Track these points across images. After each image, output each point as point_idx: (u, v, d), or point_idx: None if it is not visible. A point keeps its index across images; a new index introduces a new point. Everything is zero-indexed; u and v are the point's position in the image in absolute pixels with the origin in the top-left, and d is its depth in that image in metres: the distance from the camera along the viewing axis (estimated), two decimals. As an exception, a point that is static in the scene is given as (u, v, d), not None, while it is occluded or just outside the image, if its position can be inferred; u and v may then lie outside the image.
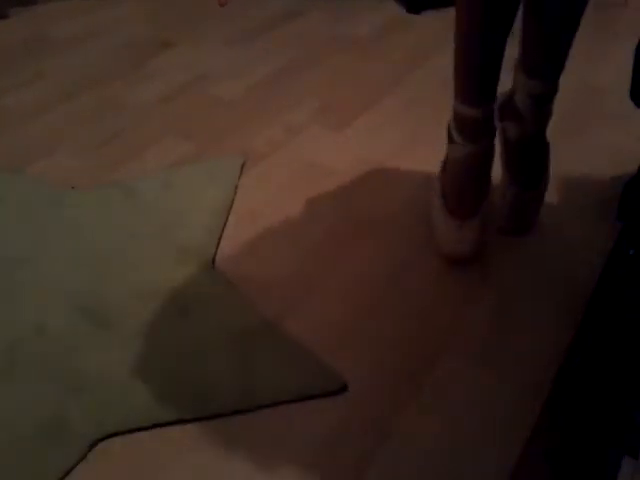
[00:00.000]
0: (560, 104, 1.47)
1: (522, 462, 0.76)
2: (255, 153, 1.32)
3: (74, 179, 1.25)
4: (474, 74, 1.00)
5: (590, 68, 1.67)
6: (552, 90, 1.03)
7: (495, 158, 1.08)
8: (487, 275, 1.05)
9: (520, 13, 0.97)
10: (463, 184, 1.06)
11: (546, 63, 1.02)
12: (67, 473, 0.77)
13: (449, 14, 1.94)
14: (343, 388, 0.87)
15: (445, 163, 1.12)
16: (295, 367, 0.89)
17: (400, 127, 1.42)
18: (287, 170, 1.28)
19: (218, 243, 1.10)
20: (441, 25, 1.89)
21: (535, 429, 0.77)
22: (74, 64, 1.66)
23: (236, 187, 1.23)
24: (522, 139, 1.07)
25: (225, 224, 1.14)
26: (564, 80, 1.61)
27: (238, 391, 0.86)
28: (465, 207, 1.05)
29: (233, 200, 1.20)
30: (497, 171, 1.13)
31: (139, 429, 0.82)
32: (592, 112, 1.48)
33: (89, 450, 0.79)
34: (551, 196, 1.18)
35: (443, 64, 1.67)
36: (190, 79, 1.59)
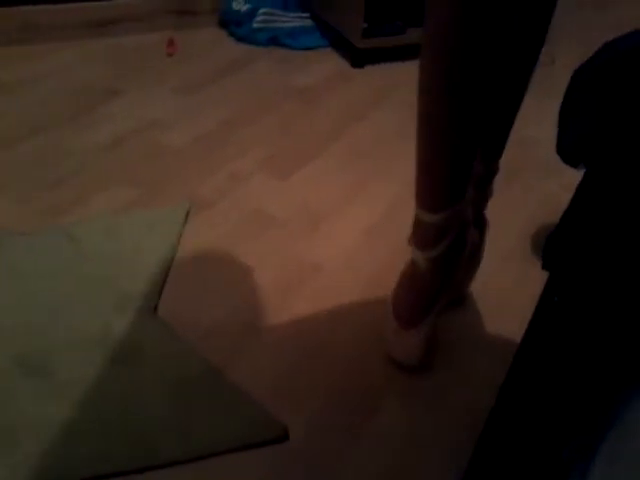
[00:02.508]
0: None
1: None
2: (200, 201, 1.33)
3: (15, 224, 1.23)
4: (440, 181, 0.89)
5: (522, 122, 1.76)
6: (493, 173, 1.03)
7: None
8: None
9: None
10: (407, 294, 0.97)
11: (488, 147, 1.00)
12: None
13: (390, 69, 2.03)
14: (284, 436, 0.87)
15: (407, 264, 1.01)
16: (235, 415, 0.89)
17: (342, 178, 1.45)
18: (232, 218, 1.30)
19: (161, 291, 1.10)
20: (383, 80, 1.97)
21: (466, 473, 0.79)
22: (19, 108, 1.65)
23: (180, 234, 1.23)
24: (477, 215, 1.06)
25: (168, 271, 1.14)
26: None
27: (177, 441, 0.85)
28: (405, 316, 0.97)
29: (177, 247, 1.20)
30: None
31: (73, 483, 0.80)
32: (524, 163, 1.56)
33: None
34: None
35: (385, 116, 1.74)
36: (138, 126, 1.60)
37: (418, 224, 0.92)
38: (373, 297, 1.12)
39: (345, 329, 1.06)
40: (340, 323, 1.07)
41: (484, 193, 1.06)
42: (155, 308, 1.06)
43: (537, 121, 1.77)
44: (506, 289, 1.16)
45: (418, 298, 0.95)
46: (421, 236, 0.92)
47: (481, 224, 1.11)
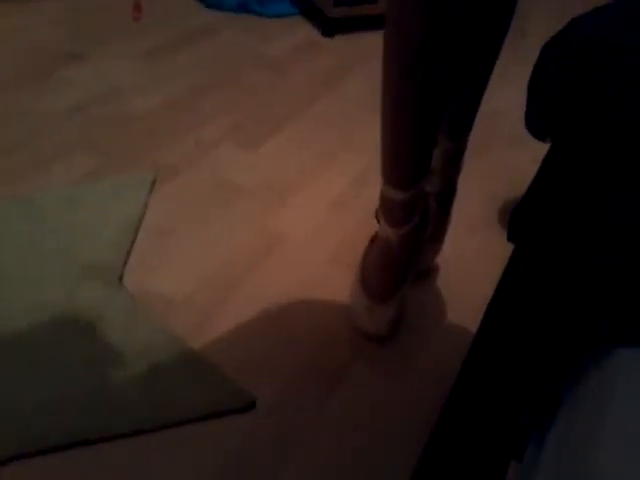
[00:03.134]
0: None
1: (419, 473, 0.79)
2: (166, 170, 1.31)
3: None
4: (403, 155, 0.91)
5: (493, 95, 1.77)
6: (462, 148, 1.04)
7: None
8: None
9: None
10: (378, 269, 0.98)
11: (457, 124, 1.01)
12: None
13: (361, 38, 2.01)
14: (251, 405, 0.87)
15: (372, 238, 1.04)
16: (203, 384, 0.89)
17: (311, 148, 1.44)
18: (198, 187, 1.28)
19: (126, 260, 1.08)
20: (353, 49, 1.95)
21: (429, 441, 0.81)
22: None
23: (146, 203, 1.21)
24: (432, 191, 1.07)
25: (134, 241, 1.12)
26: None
27: (144, 409, 0.85)
28: (377, 292, 0.98)
29: (142, 217, 1.18)
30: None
31: (38, 452, 0.79)
32: (492, 134, 1.57)
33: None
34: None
35: (355, 87, 1.72)
36: (101, 92, 1.55)
37: (386, 201, 0.92)
38: (339, 268, 1.12)
39: (312, 299, 1.06)
40: (307, 293, 1.07)
41: (456, 168, 1.07)
42: (120, 278, 1.05)
43: (507, 94, 1.78)
44: (471, 258, 1.17)
45: (390, 274, 0.96)
46: (390, 213, 0.92)
47: (451, 198, 1.12)
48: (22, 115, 1.43)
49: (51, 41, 1.76)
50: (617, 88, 0.55)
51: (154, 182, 1.27)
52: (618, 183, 0.51)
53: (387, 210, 0.93)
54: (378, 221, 0.97)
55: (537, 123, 1.18)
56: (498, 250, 1.17)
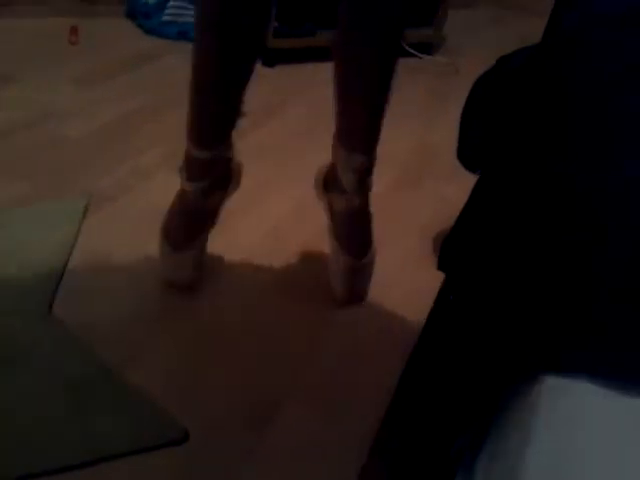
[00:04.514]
0: (396, 160, 1.60)
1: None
2: (100, 195, 1.28)
3: None
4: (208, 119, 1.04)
5: (425, 128, 1.83)
6: (372, 162, 1.07)
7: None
8: (330, 323, 1.09)
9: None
10: (177, 218, 1.09)
11: (365, 137, 1.05)
12: None
13: (301, 69, 2.04)
14: (184, 437, 0.85)
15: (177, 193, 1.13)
16: (135, 417, 0.86)
17: (249, 176, 1.44)
18: (133, 214, 1.26)
19: (56, 288, 1.05)
20: (293, 79, 1.98)
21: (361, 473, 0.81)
22: None
23: (78, 230, 1.18)
24: (349, 211, 1.09)
25: (65, 269, 1.09)
26: (401, 137, 1.75)
27: (70, 444, 0.81)
28: (175, 239, 1.08)
29: (74, 244, 1.15)
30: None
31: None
32: (425, 168, 1.61)
33: None
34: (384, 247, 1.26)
35: (296, 114, 1.75)
36: (32, 116, 1.51)
37: (188, 159, 1.04)
38: (273, 296, 1.12)
39: (245, 328, 1.05)
40: (241, 322, 1.06)
41: (367, 182, 1.09)
42: (50, 307, 1.01)
43: (441, 128, 1.84)
44: (405, 289, 1.19)
45: (187, 223, 1.08)
46: (191, 169, 1.05)
47: (368, 213, 1.13)
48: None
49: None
50: (541, 121, 0.57)
51: (87, 208, 1.24)
52: (541, 212, 0.54)
53: (187, 165, 1.05)
54: (180, 176, 1.07)
55: (468, 155, 1.22)
56: (431, 279, 1.20)
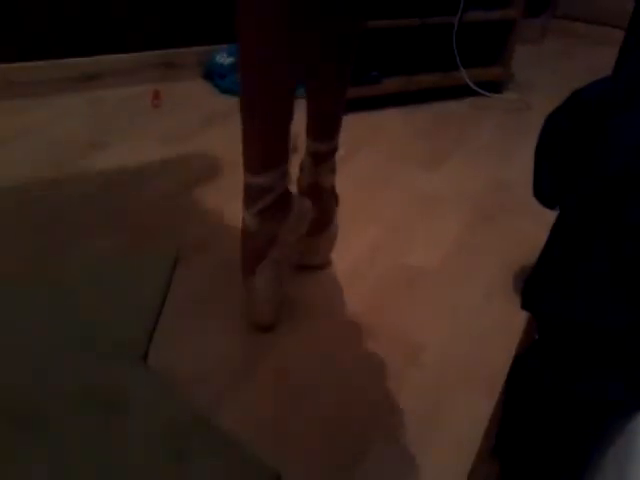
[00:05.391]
0: (471, 196, 1.60)
1: None
2: (189, 248, 1.35)
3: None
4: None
5: (498, 165, 1.83)
6: (329, 150, 1.24)
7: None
8: (410, 352, 1.10)
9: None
10: (241, 247, 1.14)
11: (322, 129, 1.23)
12: None
13: (367, 117, 2.09)
14: (277, 481, 0.87)
15: None
16: (228, 463, 0.89)
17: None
18: (221, 265, 1.31)
19: (151, 336, 1.11)
20: (360, 127, 2.03)
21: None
22: (8, 161, 1.67)
23: (170, 279, 1.24)
24: (308, 188, 1.26)
25: (158, 317, 1.15)
26: (475, 174, 1.75)
27: (170, 490, 0.85)
28: (242, 267, 1.13)
29: (166, 294, 1.21)
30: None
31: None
32: (500, 204, 1.61)
33: None
34: (464, 282, 1.26)
35: (365, 161, 1.78)
36: (124, 176, 1.62)
37: (245, 186, 1.10)
38: (357, 339, 1.14)
39: (331, 372, 1.07)
40: (327, 366, 1.08)
41: (326, 165, 1.26)
42: (145, 356, 1.07)
43: (514, 164, 1.84)
44: (488, 326, 1.18)
45: (248, 250, 1.13)
46: (247, 196, 1.10)
47: (330, 194, 1.31)
48: (38, 203, 1.49)
49: (72, 133, 1.85)
50: (618, 153, 0.58)
51: (177, 259, 1.31)
52: (628, 250, 0.54)
53: (246, 194, 1.10)
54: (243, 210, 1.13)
55: (545, 191, 1.21)
56: (513, 314, 1.19)
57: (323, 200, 1.28)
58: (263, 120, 1.04)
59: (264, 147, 1.07)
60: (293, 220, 1.15)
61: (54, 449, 0.89)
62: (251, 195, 1.08)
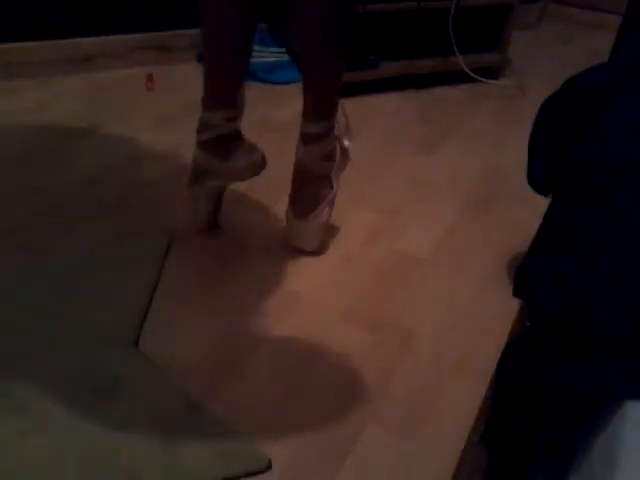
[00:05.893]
0: (466, 182, 1.59)
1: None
2: (182, 234, 1.35)
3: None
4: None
5: (493, 152, 1.82)
6: (319, 132, 1.23)
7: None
8: (405, 338, 1.10)
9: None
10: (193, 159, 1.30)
11: (312, 109, 1.23)
12: None
13: (364, 101, 2.08)
14: (268, 467, 0.88)
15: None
16: (220, 448, 0.89)
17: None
18: (213, 251, 1.31)
19: (142, 324, 1.10)
20: (358, 112, 2.02)
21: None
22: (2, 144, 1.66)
23: (162, 267, 1.24)
24: (297, 170, 1.28)
25: (149, 304, 1.15)
26: (470, 161, 1.74)
27: (162, 475, 0.85)
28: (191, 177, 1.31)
29: (158, 280, 1.21)
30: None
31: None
32: (495, 191, 1.60)
33: None
34: (459, 271, 1.26)
35: (364, 144, 1.77)
36: (116, 160, 1.61)
37: (199, 118, 1.24)
38: (352, 325, 1.14)
39: (327, 359, 1.07)
40: (320, 352, 1.08)
41: (312, 148, 1.25)
42: (136, 342, 1.07)
43: (509, 151, 1.83)
44: (482, 316, 1.19)
45: (193, 168, 1.29)
46: (198, 127, 1.25)
47: (318, 180, 1.28)
48: (37, 189, 1.48)
49: (68, 114, 1.84)
50: (610, 140, 0.57)
51: (169, 246, 1.30)
52: (617, 236, 0.53)
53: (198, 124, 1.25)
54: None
55: (539, 178, 1.21)
56: (506, 303, 1.19)
57: (311, 183, 1.27)
58: (212, 64, 1.20)
59: (211, 88, 1.23)
60: (234, 161, 1.25)
61: (38, 433, 0.89)
62: (199, 127, 1.24)
